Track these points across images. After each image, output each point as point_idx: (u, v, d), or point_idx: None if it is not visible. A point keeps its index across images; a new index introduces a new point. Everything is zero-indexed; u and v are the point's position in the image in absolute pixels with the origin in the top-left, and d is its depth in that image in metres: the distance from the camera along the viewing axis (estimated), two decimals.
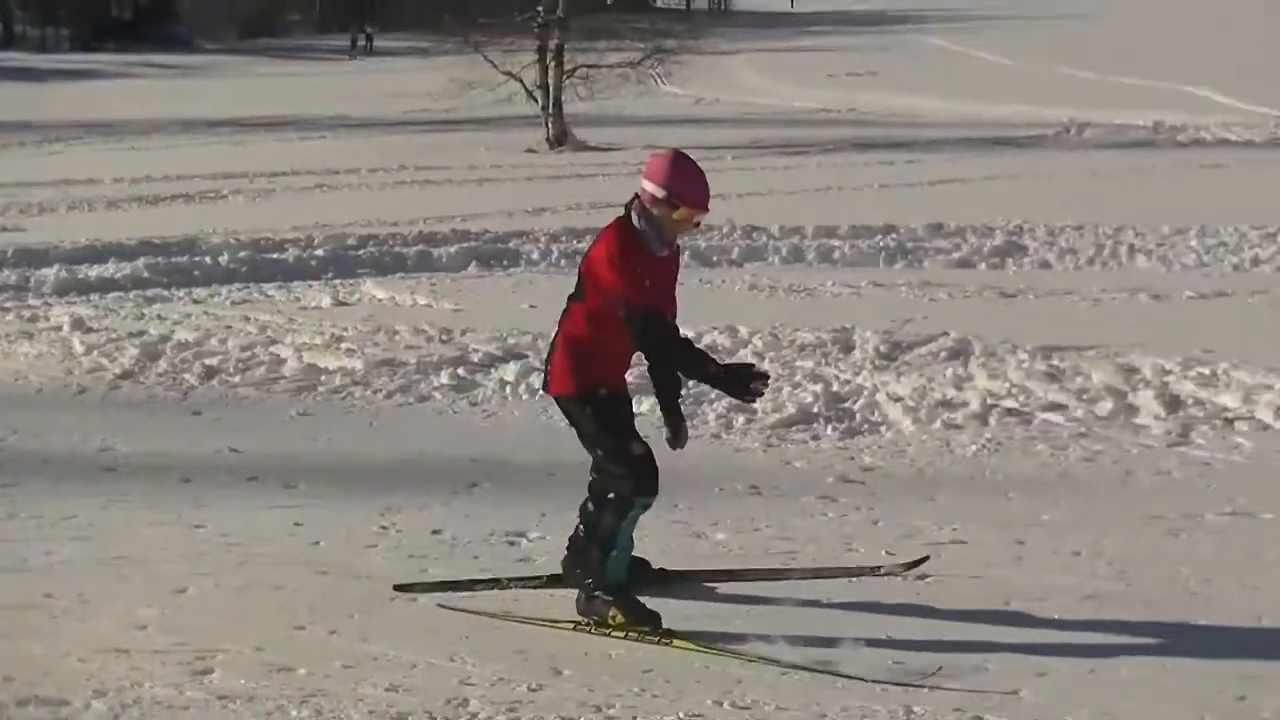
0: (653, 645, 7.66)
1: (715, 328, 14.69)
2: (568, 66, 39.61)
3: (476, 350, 14.22)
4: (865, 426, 12.21)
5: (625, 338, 7.68)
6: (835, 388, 12.94)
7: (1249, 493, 10.42)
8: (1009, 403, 12.63)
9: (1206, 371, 13.14)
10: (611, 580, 7.85)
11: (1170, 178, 28.07)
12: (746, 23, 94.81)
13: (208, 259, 19.60)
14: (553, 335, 7.94)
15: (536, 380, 13.14)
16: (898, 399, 12.70)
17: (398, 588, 8.46)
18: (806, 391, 12.77)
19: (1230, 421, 12.14)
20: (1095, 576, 8.73)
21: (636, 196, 7.70)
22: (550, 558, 9.08)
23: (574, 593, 8.06)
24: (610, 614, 7.77)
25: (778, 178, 28.96)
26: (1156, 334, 14.60)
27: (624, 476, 7.73)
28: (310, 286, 18.22)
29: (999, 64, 58.15)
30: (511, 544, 9.38)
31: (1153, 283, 17.93)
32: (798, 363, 13.71)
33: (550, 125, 38.14)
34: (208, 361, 14.05)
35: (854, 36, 77.37)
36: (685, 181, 7.61)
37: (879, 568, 8.75)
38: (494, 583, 8.52)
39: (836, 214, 22.20)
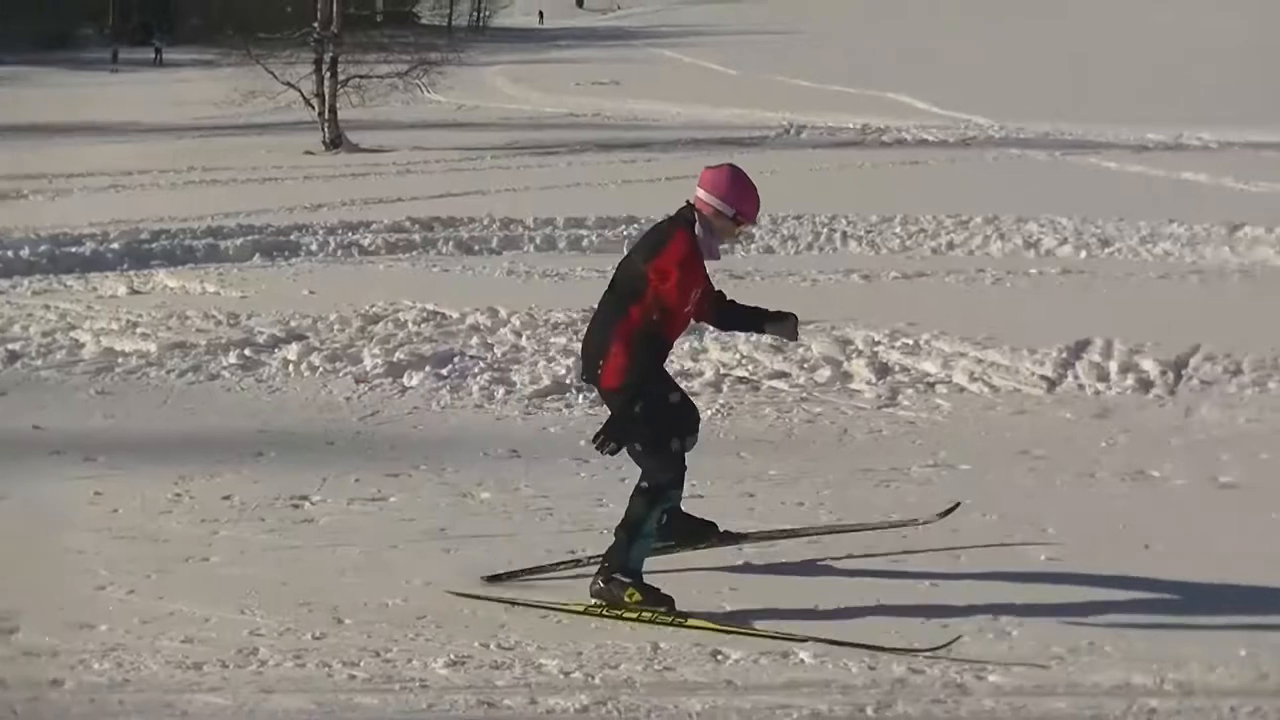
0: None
1: (478, 309, 14.61)
2: (341, 77, 39.18)
3: (261, 332, 13.98)
4: None
5: (674, 335, 7.38)
6: None
7: (948, 447, 10.62)
8: (739, 372, 12.72)
9: (910, 342, 13.36)
10: (633, 566, 7.37)
11: (876, 173, 28.52)
12: (501, 38, 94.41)
13: (9, 252, 18.99)
14: (596, 327, 7.44)
15: (317, 359, 12.96)
16: None
17: (487, 579, 7.84)
18: (560, 365, 12.74)
19: (932, 385, 12.36)
20: (816, 524, 8.82)
21: (691, 206, 7.38)
22: (331, 519, 8.97)
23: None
24: (627, 593, 7.29)
25: (532, 175, 28.88)
26: (867, 310, 14.81)
27: (660, 469, 7.33)
28: (107, 277, 17.74)
29: (726, 74, 58.62)
30: (295, 507, 9.22)
31: (863, 265, 18.20)
32: (551, 339, 13.67)
33: (326, 130, 37.69)
34: (11, 346, 13.61)
35: (598, 50, 77.46)
36: (748, 199, 7.39)
37: (917, 520, 8.59)
38: (574, 562, 8.09)
39: (584, 207, 22.19)
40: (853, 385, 12.39)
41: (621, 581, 7.35)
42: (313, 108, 38.71)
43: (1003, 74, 52.34)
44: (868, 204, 22.47)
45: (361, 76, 39.84)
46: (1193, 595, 7.61)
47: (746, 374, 12.66)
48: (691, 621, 7.20)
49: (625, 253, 7.80)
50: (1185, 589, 7.70)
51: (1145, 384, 12.32)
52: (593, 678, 6.62)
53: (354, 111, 38.95)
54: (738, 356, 13.02)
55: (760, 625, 7.20)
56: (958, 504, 8.75)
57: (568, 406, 11.89)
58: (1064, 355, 12.83)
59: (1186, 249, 19.32)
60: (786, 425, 11.40)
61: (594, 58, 70.06)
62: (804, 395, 12.15)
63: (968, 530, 8.70)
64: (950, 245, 19.80)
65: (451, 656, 6.83)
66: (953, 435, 11.03)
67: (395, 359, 12.94)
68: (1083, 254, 19.13)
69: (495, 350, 13.31)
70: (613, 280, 7.50)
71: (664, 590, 7.36)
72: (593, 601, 7.42)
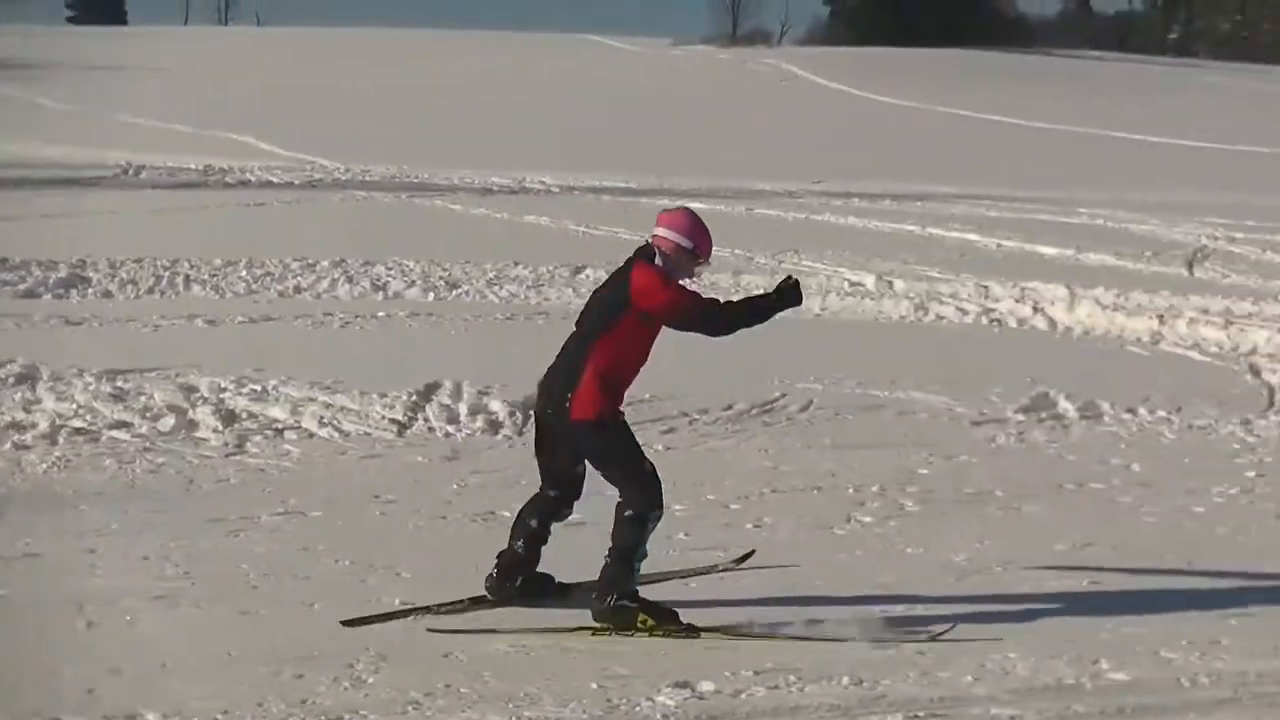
0: None
1: None
2: None
3: None
4: None
5: (640, 363, 7.97)
6: None
7: (299, 494, 10.60)
8: (77, 422, 12.32)
9: (258, 388, 13.28)
10: (632, 589, 7.91)
11: (221, 215, 28.19)
12: None
13: None
14: (561, 363, 8.03)
15: None
16: None
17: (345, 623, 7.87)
18: None
19: (280, 431, 12.31)
20: (163, 577, 8.65)
21: (649, 244, 7.98)
22: None
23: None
24: (640, 619, 7.83)
25: None
26: (212, 356, 14.64)
27: (642, 493, 7.87)
28: None
29: (60, 109, 56.73)
30: None
31: (207, 309, 17.97)
32: None
33: None
34: None
35: None
36: (704, 236, 7.99)
37: (715, 566, 8.93)
38: (424, 610, 8.10)
39: None
40: (198, 433, 12.21)
41: (629, 608, 7.86)
42: None
43: (348, 116, 52.78)
44: (211, 247, 22.20)
45: None
46: (544, 631, 7.86)
47: (84, 424, 12.28)
48: (704, 635, 7.76)
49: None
50: (540, 620, 7.95)
51: (494, 425, 12.64)
52: None
53: None
54: (75, 407, 12.61)
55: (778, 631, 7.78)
56: (753, 551, 9.18)
57: None
58: (414, 398, 13.03)
59: (532, 290, 19.99)
60: (129, 476, 11.12)
61: None
62: (147, 445, 11.88)
63: (320, 575, 8.71)
64: (297, 289, 19.80)
65: None
66: (303, 481, 11.03)
67: None
68: (430, 296, 19.49)
69: None
70: (579, 320, 8.07)
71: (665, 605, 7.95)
72: (600, 625, 7.89)
